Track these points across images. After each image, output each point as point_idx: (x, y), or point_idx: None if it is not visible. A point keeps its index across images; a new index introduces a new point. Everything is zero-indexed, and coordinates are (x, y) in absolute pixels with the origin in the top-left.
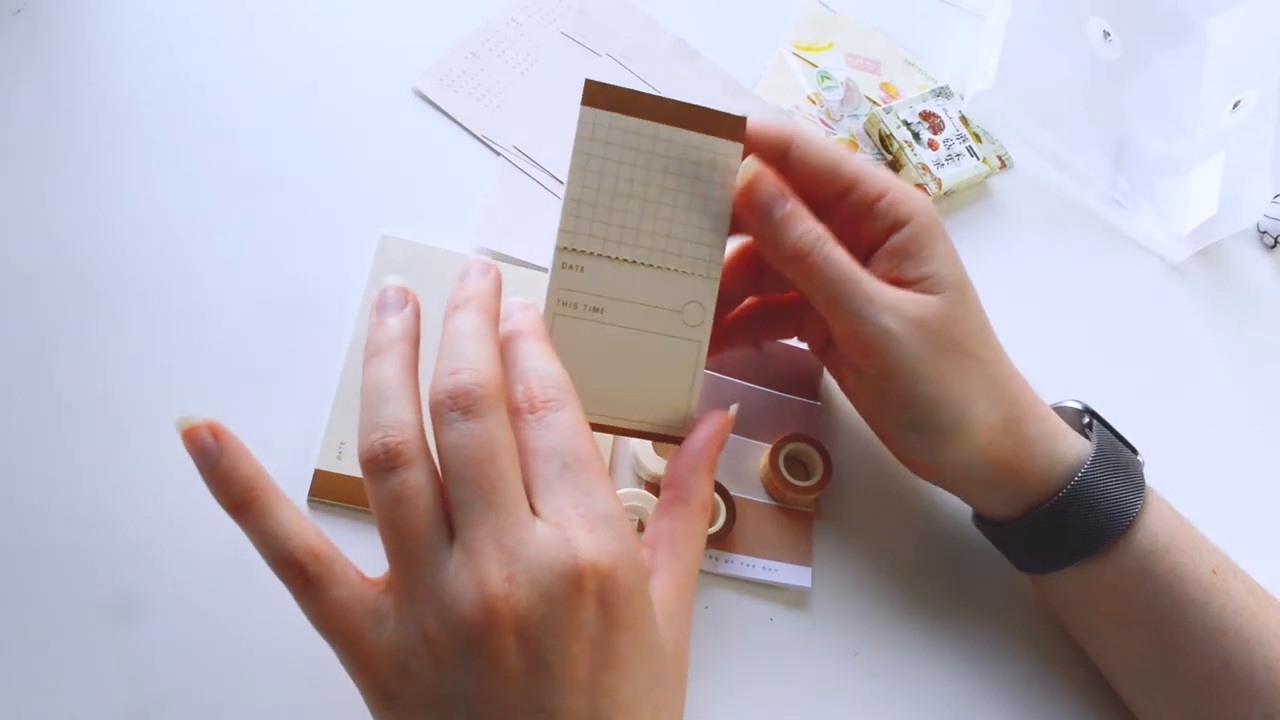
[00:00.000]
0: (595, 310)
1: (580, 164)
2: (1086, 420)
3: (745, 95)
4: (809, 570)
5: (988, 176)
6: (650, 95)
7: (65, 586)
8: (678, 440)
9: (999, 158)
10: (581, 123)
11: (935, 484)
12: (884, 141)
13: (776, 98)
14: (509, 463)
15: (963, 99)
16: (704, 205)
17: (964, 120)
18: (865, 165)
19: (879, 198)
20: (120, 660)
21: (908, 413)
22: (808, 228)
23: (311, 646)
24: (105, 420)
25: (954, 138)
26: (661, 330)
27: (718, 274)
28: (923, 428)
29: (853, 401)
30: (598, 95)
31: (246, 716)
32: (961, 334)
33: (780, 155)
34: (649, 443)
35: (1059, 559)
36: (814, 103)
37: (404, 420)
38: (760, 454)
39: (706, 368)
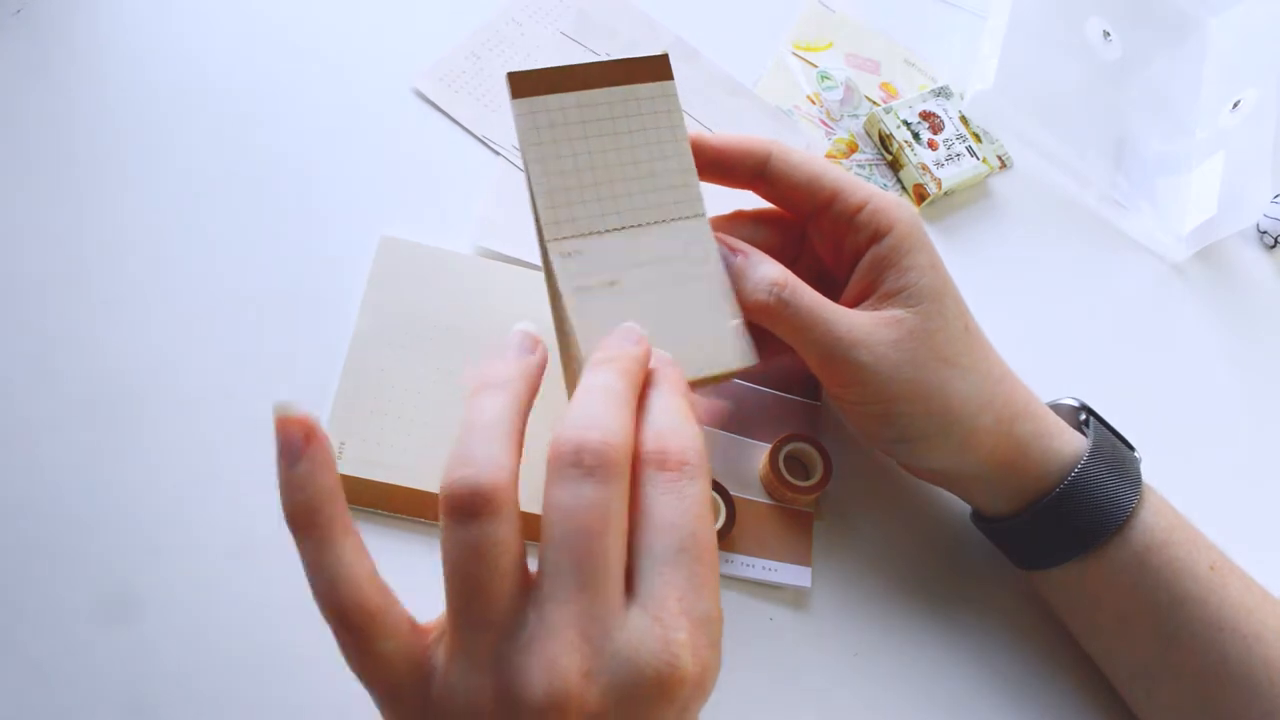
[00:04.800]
0: (611, 284)
1: (533, 156)
2: (1084, 417)
3: (745, 94)
4: (809, 570)
5: (988, 176)
6: (570, 66)
7: (65, 586)
8: (740, 375)
9: (999, 158)
10: (518, 116)
11: (934, 484)
12: (884, 141)
13: (776, 97)
14: (618, 541)
15: (963, 99)
16: (662, 151)
17: (964, 120)
18: (845, 176)
19: (859, 209)
20: (120, 660)
21: (892, 429)
22: (763, 274)
23: (311, 646)
24: (105, 420)
25: (954, 138)
26: (676, 281)
27: (703, 208)
28: (910, 441)
29: (843, 417)
30: (524, 85)
31: (246, 716)
32: (940, 344)
33: (757, 169)
34: None
35: (1056, 555)
36: (814, 102)
37: (500, 463)
38: (760, 454)
39: None
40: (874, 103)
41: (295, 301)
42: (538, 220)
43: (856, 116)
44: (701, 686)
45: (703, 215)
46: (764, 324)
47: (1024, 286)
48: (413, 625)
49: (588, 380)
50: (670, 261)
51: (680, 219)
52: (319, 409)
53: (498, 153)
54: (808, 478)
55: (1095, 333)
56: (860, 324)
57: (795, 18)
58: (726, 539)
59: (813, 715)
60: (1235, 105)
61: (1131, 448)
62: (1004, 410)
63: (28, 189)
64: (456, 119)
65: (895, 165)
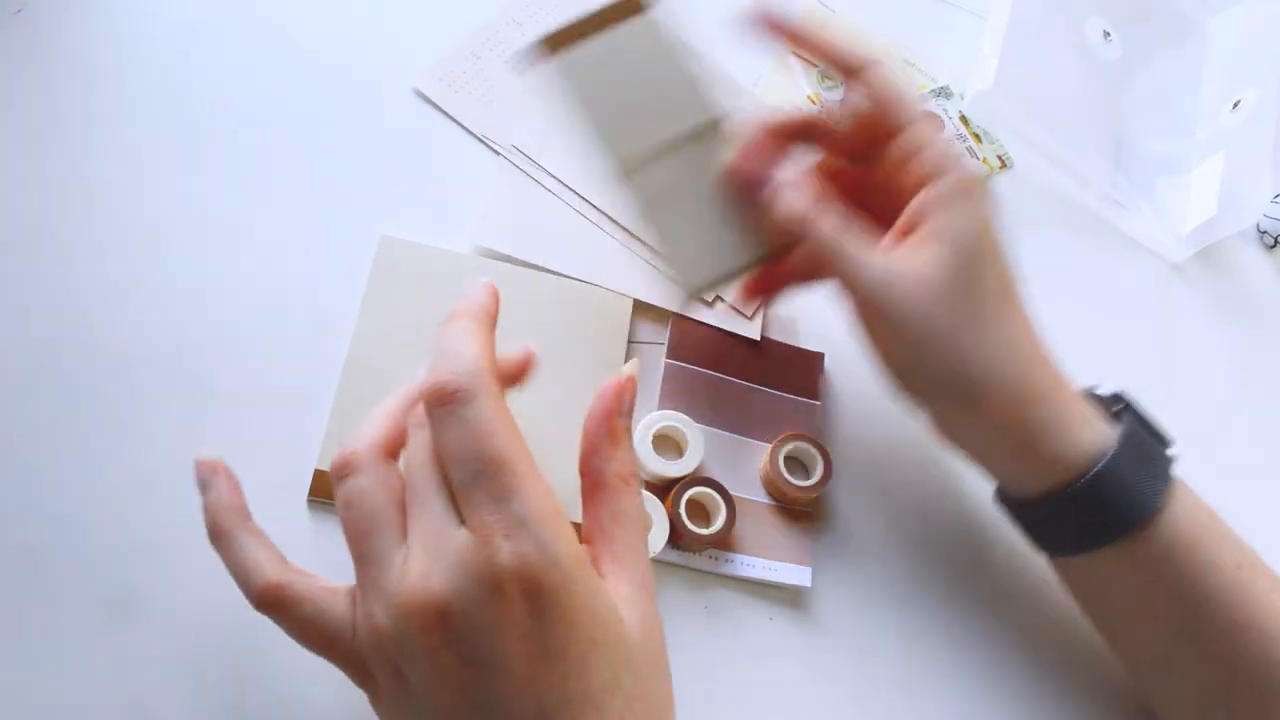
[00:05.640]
0: (670, 193)
1: (578, 100)
2: (1119, 408)
3: (745, 94)
4: (809, 570)
5: (988, 177)
6: (580, 19)
7: (65, 586)
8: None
9: (999, 158)
10: (559, 72)
11: (955, 453)
12: None
13: (776, 97)
14: (433, 470)
15: (963, 99)
16: (672, 69)
17: (964, 120)
18: (922, 115)
19: (925, 146)
20: (120, 660)
21: (911, 379)
22: (794, 197)
23: None
24: (105, 420)
25: (954, 139)
26: (710, 186)
27: (719, 105)
28: (926, 398)
29: (876, 366)
30: (555, 43)
31: (246, 716)
32: (968, 300)
33: (851, 72)
34: (649, 443)
35: (1075, 546)
36: (814, 103)
37: (362, 435)
38: (760, 454)
39: (707, 368)
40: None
41: (295, 301)
42: (598, 156)
43: None
44: (533, 578)
45: (723, 113)
46: (795, 242)
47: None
48: (324, 587)
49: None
50: (709, 163)
51: (708, 121)
52: (319, 409)
53: (498, 153)
54: (808, 478)
55: (1095, 332)
56: (891, 259)
57: (795, 18)
58: (726, 539)
59: (813, 715)
60: (1235, 105)
61: (1168, 443)
62: (1023, 387)
63: (27, 188)
64: (457, 119)
65: None
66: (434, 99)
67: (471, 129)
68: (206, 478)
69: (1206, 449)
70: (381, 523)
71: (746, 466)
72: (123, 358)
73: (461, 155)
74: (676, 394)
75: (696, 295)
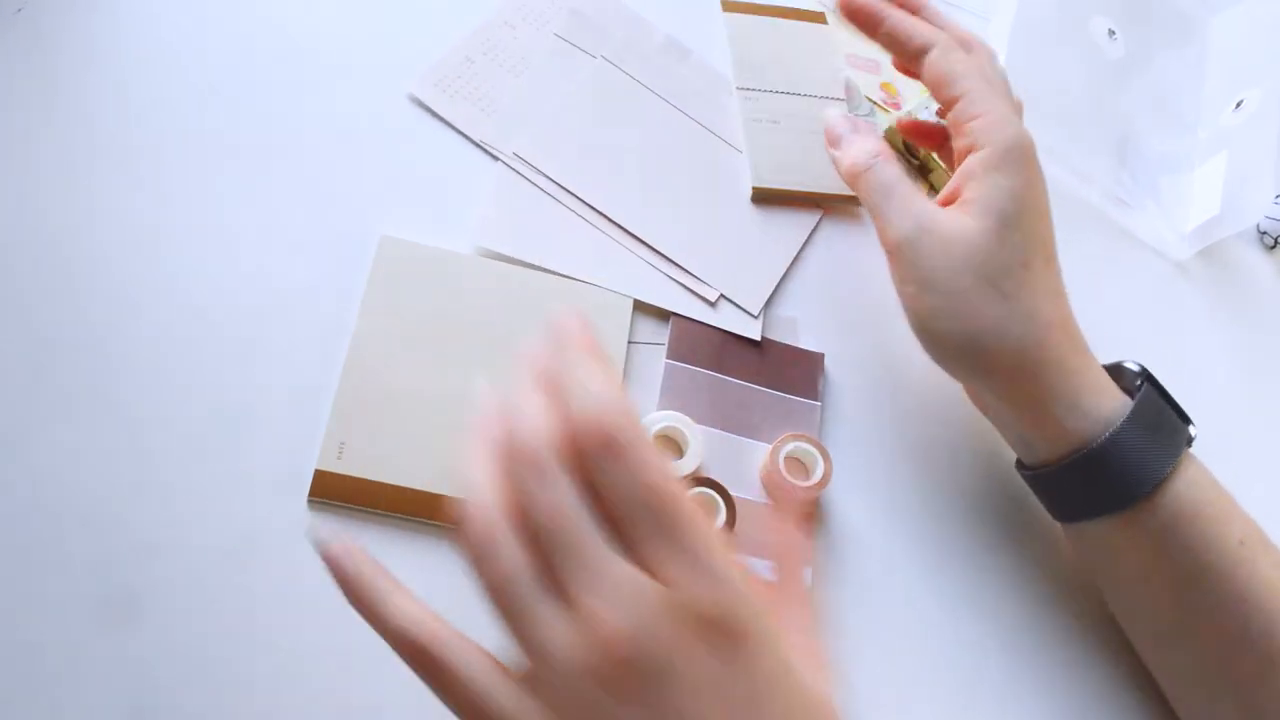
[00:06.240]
0: (774, 123)
1: (736, 41)
2: (1140, 382)
3: (737, 94)
4: (809, 570)
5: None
6: (750, 4)
7: (65, 586)
8: (855, 201)
9: None
10: (727, 23)
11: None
12: (909, 149)
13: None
14: (587, 515)
15: None
16: (815, 54)
17: None
18: (979, 87)
19: (974, 117)
20: (119, 660)
21: (932, 331)
22: (861, 145)
23: (310, 646)
24: (105, 420)
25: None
26: (818, 131)
27: (842, 95)
28: (945, 351)
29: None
30: (732, 5)
31: (245, 716)
32: (990, 264)
33: (917, 55)
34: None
35: (1083, 511)
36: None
37: (475, 493)
38: (760, 454)
39: (707, 368)
40: (875, 103)
41: (296, 301)
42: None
43: (857, 116)
44: (730, 626)
45: (842, 99)
46: (854, 188)
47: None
48: (491, 658)
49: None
50: (815, 120)
51: (824, 97)
52: (319, 409)
53: (496, 158)
54: (808, 478)
55: (1097, 330)
56: (932, 214)
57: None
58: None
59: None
60: (1238, 105)
61: (1187, 420)
62: (1034, 353)
63: (27, 188)
64: (453, 124)
65: (924, 170)
66: (429, 104)
67: (468, 134)
68: (337, 558)
69: (1206, 447)
70: (532, 584)
71: (746, 467)
72: (122, 357)
73: (460, 157)
74: (676, 394)
75: (760, 194)
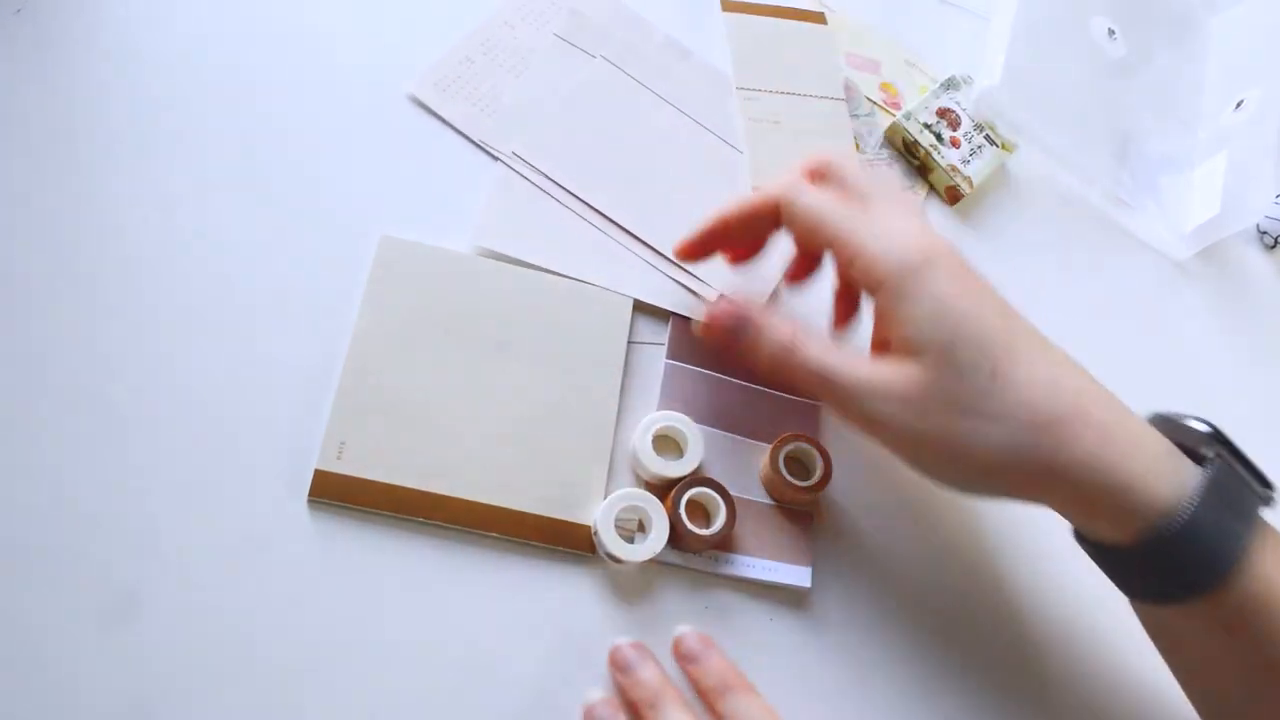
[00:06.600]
0: (775, 123)
1: (733, 41)
2: (1211, 452)
3: (737, 94)
4: (809, 570)
5: (1008, 158)
6: (750, 4)
7: (65, 586)
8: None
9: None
10: (727, 23)
11: None
12: (909, 149)
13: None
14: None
15: (969, 82)
16: (815, 54)
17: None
18: (841, 227)
19: (850, 263)
20: (119, 660)
21: (927, 473)
22: (774, 338)
23: (308, 646)
24: (105, 421)
25: (971, 129)
26: (819, 131)
27: (843, 95)
28: (948, 484)
29: None
30: (732, 5)
31: (245, 715)
32: (955, 396)
33: (776, 226)
34: (649, 443)
35: (1143, 595)
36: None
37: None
38: (760, 454)
39: (707, 368)
40: (874, 103)
41: (296, 301)
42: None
43: (857, 116)
44: None
45: (842, 99)
46: (782, 379)
47: (1027, 282)
48: None
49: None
50: (815, 120)
51: (825, 97)
52: (319, 409)
53: (496, 157)
54: (808, 478)
55: (1097, 329)
56: (872, 377)
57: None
58: (727, 539)
59: (812, 715)
60: (1238, 105)
61: (1268, 484)
62: (1050, 459)
63: (27, 188)
64: (452, 124)
65: (925, 170)
66: (430, 105)
67: (468, 134)
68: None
69: None
70: None
71: (746, 467)
72: (121, 356)
73: (460, 157)
74: (676, 394)
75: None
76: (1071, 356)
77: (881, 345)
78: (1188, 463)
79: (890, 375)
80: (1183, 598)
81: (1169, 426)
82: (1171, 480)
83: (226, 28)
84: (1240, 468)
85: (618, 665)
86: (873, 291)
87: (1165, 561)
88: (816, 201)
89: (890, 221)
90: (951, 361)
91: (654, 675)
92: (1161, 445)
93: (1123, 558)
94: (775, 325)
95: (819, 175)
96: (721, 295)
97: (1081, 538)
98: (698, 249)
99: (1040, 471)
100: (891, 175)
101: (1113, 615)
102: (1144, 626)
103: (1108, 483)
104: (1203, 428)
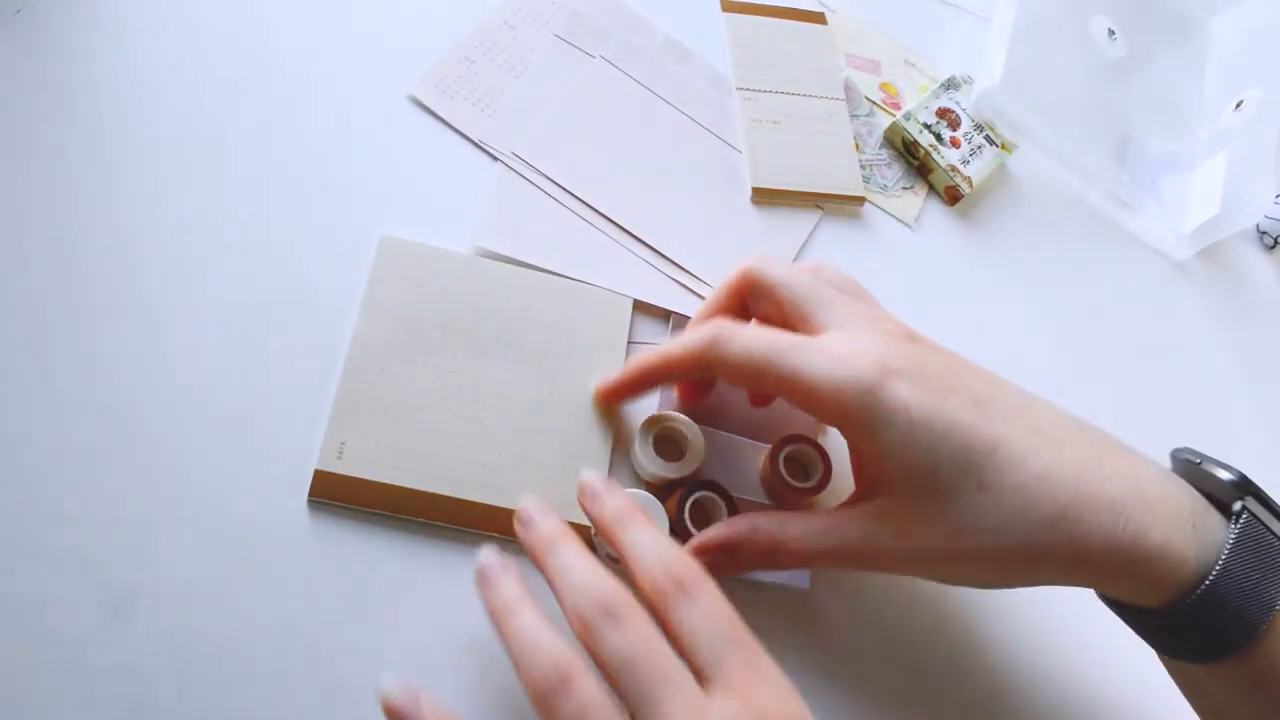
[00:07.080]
0: (775, 123)
1: (732, 41)
2: (1239, 506)
3: (737, 95)
4: (808, 572)
5: (1008, 158)
6: (750, 4)
7: (64, 586)
8: (856, 201)
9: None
10: (726, 21)
11: None
12: (909, 149)
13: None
14: (670, 649)
15: (969, 82)
16: (815, 54)
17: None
18: (784, 368)
19: (804, 403)
20: (119, 660)
21: (949, 584)
22: (753, 556)
23: (308, 647)
24: (104, 419)
25: (971, 129)
26: (819, 131)
27: (842, 94)
28: (971, 585)
29: None
30: (732, 6)
31: (244, 716)
32: (949, 519)
33: (704, 370)
34: (650, 443)
35: (1169, 652)
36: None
37: (560, 646)
38: (760, 454)
39: None
40: (874, 103)
41: (295, 301)
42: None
43: (856, 116)
44: None
45: (843, 99)
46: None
47: (1027, 282)
48: None
49: (558, 563)
50: (815, 119)
51: (824, 98)
52: (319, 409)
53: (496, 157)
54: (808, 478)
55: (1097, 329)
56: (859, 531)
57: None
58: None
59: (812, 715)
60: (1238, 105)
61: None
62: (1066, 550)
63: (27, 188)
64: (452, 124)
65: (924, 170)
66: (430, 105)
67: (468, 134)
68: (409, 711)
69: (1205, 447)
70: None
71: (746, 467)
72: (121, 357)
73: (460, 157)
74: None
75: (760, 194)
76: (1057, 407)
77: (860, 472)
78: (1213, 517)
79: (876, 518)
80: (1211, 658)
81: (1193, 473)
82: (1196, 543)
83: (227, 28)
84: (1269, 516)
85: (519, 520)
86: (837, 426)
87: (1193, 625)
88: (749, 345)
89: (838, 337)
90: (933, 487)
91: (553, 524)
92: (1182, 503)
93: (1150, 621)
94: (749, 541)
95: (743, 294)
96: (698, 541)
97: (1106, 598)
98: (619, 395)
99: (1060, 563)
100: (829, 267)
101: (1113, 615)
102: (1169, 673)
103: (1129, 559)
104: (1229, 476)
